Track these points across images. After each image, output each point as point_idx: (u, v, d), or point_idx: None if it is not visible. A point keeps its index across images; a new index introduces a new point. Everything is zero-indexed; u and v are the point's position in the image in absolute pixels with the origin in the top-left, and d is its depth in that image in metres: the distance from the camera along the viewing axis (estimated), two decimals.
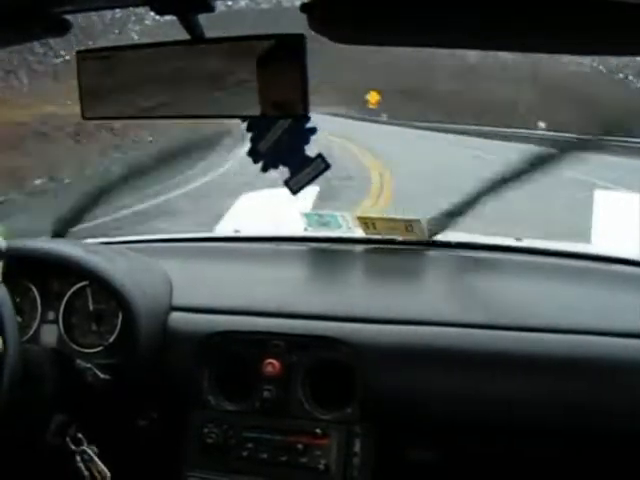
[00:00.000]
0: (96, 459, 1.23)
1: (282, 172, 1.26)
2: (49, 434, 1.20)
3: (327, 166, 1.22)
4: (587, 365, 1.18)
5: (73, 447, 1.23)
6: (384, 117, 32.17)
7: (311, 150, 1.21)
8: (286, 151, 1.19)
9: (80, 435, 1.23)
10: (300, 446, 1.24)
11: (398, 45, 0.80)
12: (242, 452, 1.26)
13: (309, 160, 1.20)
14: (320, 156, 1.20)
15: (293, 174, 1.22)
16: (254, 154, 1.17)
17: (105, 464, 1.24)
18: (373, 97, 32.79)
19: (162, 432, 1.38)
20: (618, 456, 1.25)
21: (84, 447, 1.23)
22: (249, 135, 1.17)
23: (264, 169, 1.20)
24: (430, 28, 0.70)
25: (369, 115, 32.67)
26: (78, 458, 1.22)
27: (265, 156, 1.18)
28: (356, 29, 0.72)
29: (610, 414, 1.18)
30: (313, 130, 1.16)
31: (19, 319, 1.21)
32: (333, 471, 1.22)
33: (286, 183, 1.23)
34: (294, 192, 1.25)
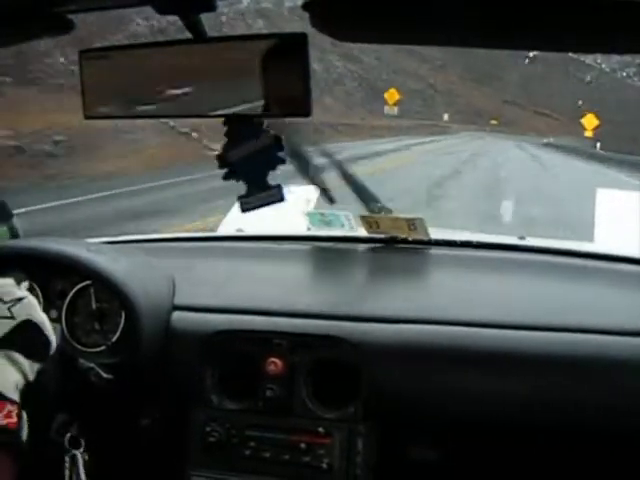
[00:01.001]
0: (81, 467, 1.20)
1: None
2: (52, 433, 1.20)
3: (282, 199, 1.21)
4: (590, 363, 1.18)
5: (68, 448, 1.22)
6: (597, 147, 26.31)
7: (274, 179, 1.20)
8: (251, 170, 1.18)
9: (81, 438, 1.22)
10: (303, 445, 1.24)
11: (399, 43, 0.80)
12: (245, 451, 1.26)
13: (267, 187, 1.19)
14: (279, 187, 1.19)
15: (249, 193, 1.21)
16: (221, 159, 1.16)
17: (107, 463, 1.24)
18: (590, 122, 27.00)
19: (165, 431, 1.38)
20: (620, 455, 1.25)
21: (74, 452, 1.21)
22: (224, 139, 1.17)
23: (225, 177, 1.19)
24: (431, 26, 0.70)
25: (584, 145, 26.24)
26: (67, 459, 1.21)
27: (231, 165, 1.17)
28: (358, 27, 0.72)
29: (613, 412, 1.17)
30: (282, 160, 1.16)
31: None
32: (336, 470, 1.22)
33: (239, 198, 1.22)
34: (242, 210, 1.24)
